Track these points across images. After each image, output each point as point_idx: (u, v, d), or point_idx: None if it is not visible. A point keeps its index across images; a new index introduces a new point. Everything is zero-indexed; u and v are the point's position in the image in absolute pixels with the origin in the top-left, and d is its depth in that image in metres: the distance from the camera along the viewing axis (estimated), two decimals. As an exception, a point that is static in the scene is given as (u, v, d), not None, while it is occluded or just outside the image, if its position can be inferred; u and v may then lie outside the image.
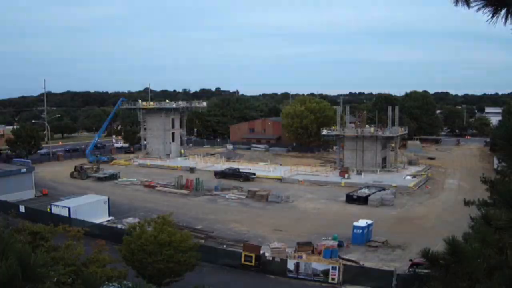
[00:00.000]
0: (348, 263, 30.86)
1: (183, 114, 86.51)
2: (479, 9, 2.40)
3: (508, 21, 2.47)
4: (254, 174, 63.31)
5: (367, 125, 72.56)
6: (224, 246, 35.08)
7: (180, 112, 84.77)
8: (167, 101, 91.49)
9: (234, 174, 63.01)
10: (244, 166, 70.35)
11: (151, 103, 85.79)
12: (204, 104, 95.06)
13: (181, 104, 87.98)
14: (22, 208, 43.11)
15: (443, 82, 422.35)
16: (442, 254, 3.20)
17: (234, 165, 70.57)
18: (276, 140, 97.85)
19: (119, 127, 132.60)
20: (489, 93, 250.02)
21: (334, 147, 79.74)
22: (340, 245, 34.22)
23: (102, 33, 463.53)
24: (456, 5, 2.45)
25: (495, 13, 2.41)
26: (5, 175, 50.41)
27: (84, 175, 63.81)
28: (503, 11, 2.38)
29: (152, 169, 71.64)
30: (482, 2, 2.39)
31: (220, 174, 63.40)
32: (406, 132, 73.61)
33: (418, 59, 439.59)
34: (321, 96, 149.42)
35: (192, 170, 67.83)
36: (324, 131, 71.99)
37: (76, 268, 19.13)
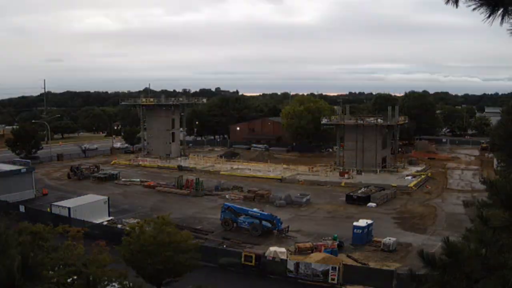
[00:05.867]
0: (355, 263, 30.94)
1: (183, 114, 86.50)
2: (474, 9, 2.41)
3: (505, 21, 2.48)
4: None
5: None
6: (224, 246, 35.10)
7: (180, 110, 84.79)
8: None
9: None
10: (244, 166, 70.49)
11: (151, 99, 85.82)
12: (204, 100, 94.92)
13: (181, 100, 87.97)
14: (22, 208, 43.15)
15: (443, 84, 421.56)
16: (439, 255, 3.20)
17: (235, 165, 70.67)
18: (276, 140, 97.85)
19: (119, 127, 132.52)
20: (489, 93, 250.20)
21: (334, 147, 79.76)
22: (340, 245, 34.23)
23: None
24: (446, 3, 2.48)
25: (492, 12, 2.42)
26: (5, 175, 50.39)
27: (81, 175, 63.74)
28: (500, 11, 2.39)
29: (152, 169, 71.67)
30: (479, 2, 2.39)
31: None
32: (407, 121, 73.67)
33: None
34: (321, 96, 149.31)
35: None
36: (324, 120, 71.90)
37: (76, 269, 19.15)
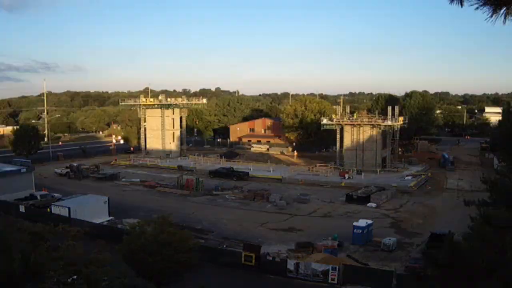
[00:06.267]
0: (355, 263, 30.91)
1: (183, 114, 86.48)
2: (477, 8, 2.41)
3: (508, 20, 2.47)
4: (247, 173, 63.77)
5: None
6: (225, 246, 35.08)
7: (180, 111, 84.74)
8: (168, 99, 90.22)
9: (228, 173, 63.48)
10: (244, 166, 70.48)
11: (151, 99, 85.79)
12: (204, 101, 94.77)
13: (180, 100, 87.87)
14: (22, 208, 43.12)
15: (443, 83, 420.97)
16: (441, 254, 3.19)
17: (234, 165, 70.64)
18: (276, 140, 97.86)
19: (119, 127, 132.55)
20: (489, 93, 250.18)
21: (334, 147, 79.73)
22: (340, 245, 34.23)
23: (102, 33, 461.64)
24: (451, 3, 2.47)
25: (494, 12, 2.41)
26: (5, 175, 50.37)
27: (80, 175, 63.66)
28: (502, 10, 2.38)
29: (152, 169, 71.67)
30: (480, 1, 2.39)
31: (215, 173, 63.99)
32: (406, 121, 73.60)
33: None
34: (321, 96, 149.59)
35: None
36: (324, 120, 72.01)
37: (76, 268, 19.13)
